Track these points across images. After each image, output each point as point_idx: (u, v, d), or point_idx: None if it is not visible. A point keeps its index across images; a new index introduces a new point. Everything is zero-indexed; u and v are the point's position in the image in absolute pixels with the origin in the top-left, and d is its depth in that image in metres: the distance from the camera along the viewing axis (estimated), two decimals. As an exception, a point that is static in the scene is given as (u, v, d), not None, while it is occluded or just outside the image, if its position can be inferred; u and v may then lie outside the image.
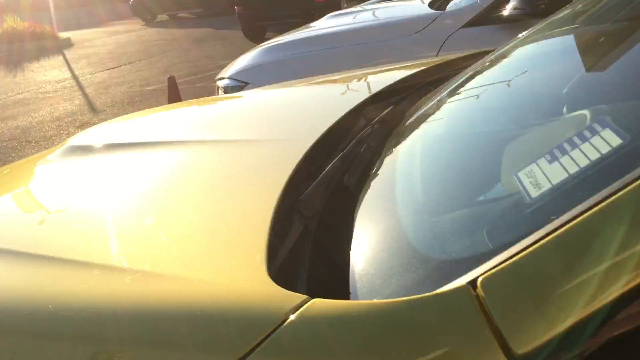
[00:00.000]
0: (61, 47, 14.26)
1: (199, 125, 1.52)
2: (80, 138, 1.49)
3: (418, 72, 1.80)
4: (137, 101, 7.72)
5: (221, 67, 9.98)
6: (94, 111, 7.40)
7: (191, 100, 2.12)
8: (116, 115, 7.03)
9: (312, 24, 4.27)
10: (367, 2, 6.16)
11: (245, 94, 2.00)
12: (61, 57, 12.79)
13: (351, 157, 1.10)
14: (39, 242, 0.94)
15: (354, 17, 3.76)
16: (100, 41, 15.48)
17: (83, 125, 6.69)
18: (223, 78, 3.58)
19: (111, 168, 1.20)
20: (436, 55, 2.95)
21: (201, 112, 1.77)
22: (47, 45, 14.12)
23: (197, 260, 0.83)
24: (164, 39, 14.73)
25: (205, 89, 8.17)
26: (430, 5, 3.53)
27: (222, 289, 0.75)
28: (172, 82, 5.52)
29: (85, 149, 1.33)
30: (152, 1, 20.44)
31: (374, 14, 3.91)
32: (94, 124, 6.77)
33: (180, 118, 1.68)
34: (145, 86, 8.72)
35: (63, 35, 15.33)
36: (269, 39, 12.77)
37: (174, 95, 5.53)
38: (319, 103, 1.65)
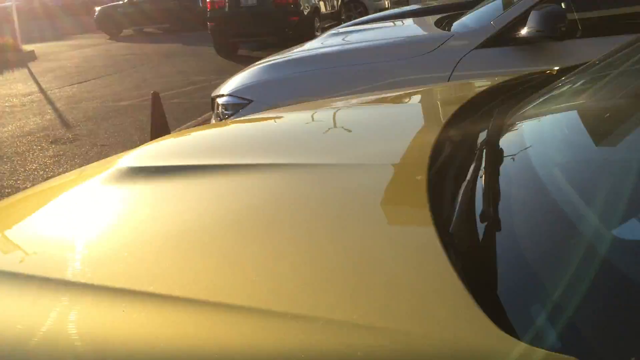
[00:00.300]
0: (25, 60, 13.86)
1: (258, 147, 1.41)
2: (129, 159, 1.36)
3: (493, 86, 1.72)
4: (111, 117, 7.51)
5: (195, 83, 9.95)
6: (67, 126, 7.15)
7: (228, 121, 2.00)
8: (91, 130, 6.81)
9: (309, 42, 4.20)
10: (356, 21, 6.14)
11: (283, 114, 1.90)
12: (26, 70, 12.41)
13: (491, 179, 0.96)
14: (130, 278, 0.82)
15: (358, 36, 3.71)
16: (66, 54, 15.12)
17: (56, 141, 6.46)
18: (222, 95, 3.47)
19: (188, 194, 1.08)
20: (450, 76, 2.91)
21: (250, 132, 1.66)
22: (10, 58, 13.70)
23: (387, 307, 0.68)
24: (133, 54, 14.47)
25: (180, 105, 8.02)
26: (437, 24, 3.51)
27: (436, 343, 0.59)
28: (156, 98, 5.38)
29: (142, 172, 1.21)
30: (118, 15, 20.14)
31: (380, 32, 3.87)
32: (68, 139, 6.55)
33: (231, 139, 1.57)
34: (118, 101, 8.49)
35: (26, 47, 14.91)
36: (242, 56, 12.82)
37: (157, 111, 5.38)
38: (388, 121, 1.56)
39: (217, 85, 9.40)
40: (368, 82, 3.04)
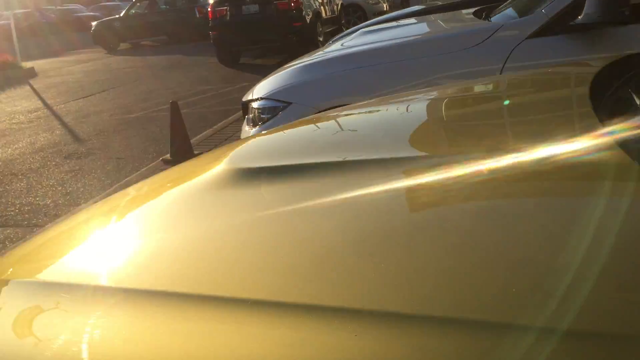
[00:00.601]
0: (25, 76, 13.74)
1: (355, 143, 1.29)
2: (238, 159, 1.23)
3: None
4: (122, 129, 7.38)
5: (202, 93, 9.84)
6: (79, 140, 7.03)
7: (299, 121, 1.87)
8: (104, 144, 6.69)
9: (337, 43, 4.08)
10: (374, 20, 6.04)
11: (353, 111, 1.77)
12: (27, 87, 12.29)
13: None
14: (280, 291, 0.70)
15: (393, 33, 3.59)
16: (66, 70, 15.00)
17: (70, 156, 6.33)
18: (257, 99, 3.34)
19: (315, 193, 0.94)
20: (502, 68, 2.79)
21: (335, 129, 1.54)
22: (11, 75, 13.58)
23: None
24: (134, 67, 14.37)
25: (191, 115, 7.88)
26: (475, 16, 3.40)
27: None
28: (175, 107, 5.26)
29: (256, 173, 1.08)
30: (115, 29, 20.03)
31: (415, 28, 3.76)
32: (82, 153, 6.42)
33: (318, 137, 1.45)
34: (127, 114, 8.37)
35: (26, 64, 14.78)
36: (244, 64, 12.73)
37: (177, 121, 5.26)
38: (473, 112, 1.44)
39: (225, 93, 9.38)
40: (415, 77, 2.92)
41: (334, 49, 3.67)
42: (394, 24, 4.27)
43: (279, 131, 1.66)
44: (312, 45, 12.29)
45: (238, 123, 6.67)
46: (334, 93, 3.06)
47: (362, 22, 16.55)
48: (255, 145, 1.46)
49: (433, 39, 3.08)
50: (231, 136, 6.07)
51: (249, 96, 3.55)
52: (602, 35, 2.65)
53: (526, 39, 2.80)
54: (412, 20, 4.35)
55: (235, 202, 0.99)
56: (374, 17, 16.26)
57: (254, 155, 1.28)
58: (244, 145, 1.46)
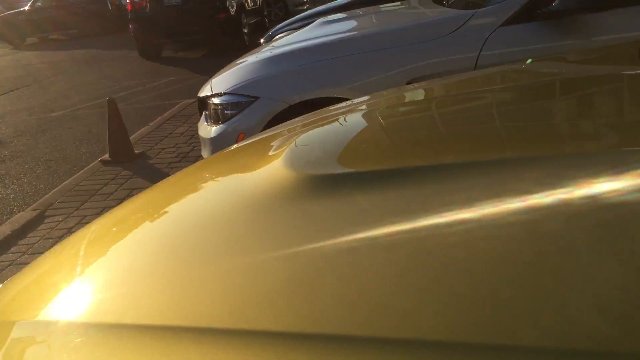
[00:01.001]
0: None
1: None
2: (300, 166, 1.05)
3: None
4: (46, 129, 6.91)
5: (128, 89, 9.39)
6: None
7: (323, 110, 1.70)
8: (29, 146, 6.22)
9: (294, 34, 3.93)
10: (314, 11, 5.90)
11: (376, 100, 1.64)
12: None
13: None
14: None
15: (357, 23, 3.49)
16: (-31, 67, 13.96)
17: (-9, 160, 5.84)
18: (218, 94, 3.16)
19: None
20: (477, 56, 2.76)
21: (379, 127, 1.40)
22: None
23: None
24: (46, 62, 13.54)
25: (121, 112, 7.48)
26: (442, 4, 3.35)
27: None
28: (112, 104, 4.95)
29: (330, 180, 0.93)
30: (20, 23, 18.83)
31: (381, 17, 3.66)
32: (6, 157, 5.94)
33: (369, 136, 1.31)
34: (48, 113, 7.85)
35: None
36: (167, 57, 12.26)
37: (115, 118, 4.95)
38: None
39: (153, 88, 9.00)
40: (391, 67, 2.85)
41: (293, 40, 3.53)
42: (357, 12, 4.17)
43: (324, 124, 1.49)
44: (237, 37, 12.01)
45: (176, 119, 6.39)
46: (306, 86, 2.94)
47: (283, 14, 16.42)
48: (313, 143, 1.29)
49: (406, 27, 3.01)
50: (171, 133, 5.79)
51: (206, 91, 3.35)
52: (577, 21, 2.65)
53: (500, 26, 2.77)
54: (374, 9, 4.24)
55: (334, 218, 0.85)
56: (295, 9, 16.16)
57: (318, 159, 1.12)
58: (294, 144, 1.27)
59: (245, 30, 12.37)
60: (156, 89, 8.76)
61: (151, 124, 6.29)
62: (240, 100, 3.04)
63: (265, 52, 3.46)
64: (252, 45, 12.19)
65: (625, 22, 2.61)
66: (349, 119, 1.50)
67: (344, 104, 1.80)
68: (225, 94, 3.12)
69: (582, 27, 2.65)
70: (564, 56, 1.91)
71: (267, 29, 14.23)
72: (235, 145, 1.62)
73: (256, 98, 3.00)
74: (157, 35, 11.59)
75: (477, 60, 2.76)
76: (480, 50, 2.76)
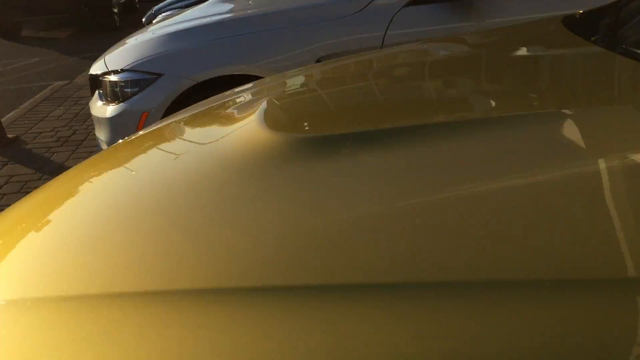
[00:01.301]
0: None
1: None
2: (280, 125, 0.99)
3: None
4: None
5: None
6: None
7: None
8: None
9: (192, 10, 3.79)
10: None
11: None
12: None
13: None
14: None
15: (257, 1, 3.41)
16: None
17: None
18: (113, 72, 2.99)
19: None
20: (384, 35, 2.83)
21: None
22: None
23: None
24: None
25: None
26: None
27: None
28: None
29: (319, 144, 0.90)
30: None
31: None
32: None
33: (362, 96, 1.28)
34: None
35: None
36: (27, 37, 11.34)
37: None
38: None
39: (17, 69, 8.31)
40: (298, 45, 2.85)
41: (192, 16, 3.41)
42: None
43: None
44: (108, 17, 11.40)
45: (49, 102, 5.96)
46: (213, 62, 2.85)
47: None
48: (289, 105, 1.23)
49: (312, 5, 3.00)
50: (47, 116, 5.39)
51: (99, 68, 3.16)
52: (476, 2, 2.80)
53: (404, 6, 2.86)
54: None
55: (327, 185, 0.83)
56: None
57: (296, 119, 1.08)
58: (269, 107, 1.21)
59: (115, 10, 11.77)
60: (19, 70, 8.11)
61: (22, 106, 5.81)
62: (141, 78, 2.90)
63: (162, 29, 3.32)
64: (123, 26, 11.69)
65: (522, 5, 2.80)
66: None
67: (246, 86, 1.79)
68: (124, 70, 2.96)
69: (481, 7, 2.81)
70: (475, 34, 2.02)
71: (136, 10, 13.65)
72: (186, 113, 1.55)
73: (160, 75, 2.87)
74: (17, 13, 10.71)
75: (383, 40, 2.83)
76: (387, 30, 2.83)
